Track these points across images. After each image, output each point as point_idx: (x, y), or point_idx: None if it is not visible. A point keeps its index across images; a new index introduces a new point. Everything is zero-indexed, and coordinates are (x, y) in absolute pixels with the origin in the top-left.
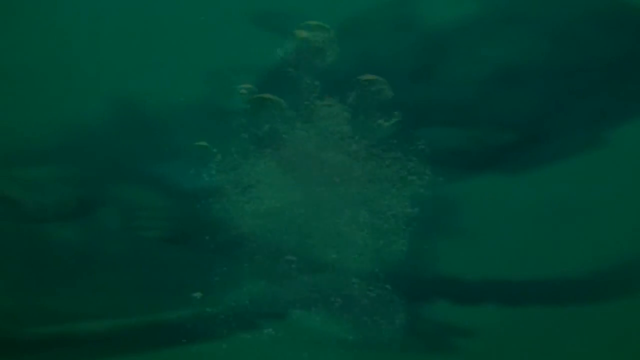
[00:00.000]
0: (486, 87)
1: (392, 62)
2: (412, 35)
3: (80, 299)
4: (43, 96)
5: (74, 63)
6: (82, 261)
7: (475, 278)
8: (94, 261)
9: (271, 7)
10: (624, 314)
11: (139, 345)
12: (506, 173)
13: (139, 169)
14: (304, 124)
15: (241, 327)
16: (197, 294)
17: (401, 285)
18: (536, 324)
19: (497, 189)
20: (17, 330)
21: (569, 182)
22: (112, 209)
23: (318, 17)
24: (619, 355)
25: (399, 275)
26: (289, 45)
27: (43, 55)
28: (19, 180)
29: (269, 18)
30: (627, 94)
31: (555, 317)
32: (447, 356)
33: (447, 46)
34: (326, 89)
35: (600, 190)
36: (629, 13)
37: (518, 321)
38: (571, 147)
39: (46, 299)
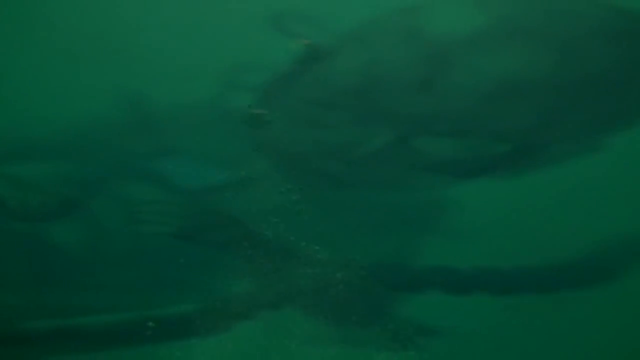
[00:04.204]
0: (486, 101)
1: (395, 73)
2: (416, 46)
3: (82, 295)
4: (47, 93)
5: (80, 59)
6: (84, 258)
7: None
8: (96, 257)
9: (281, 8)
10: (610, 299)
11: (140, 339)
12: (500, 178)
13: (142, 166)
14: None
15: (239, 319)
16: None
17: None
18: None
19: (491, 192)
20: (20, 324)
21: (560, 185)
22: (114, 206)
23: (326, 22)
24: (609, 339)
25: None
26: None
27: (46, 52)
28: (20, 177)
29: (279, 19)
30: (623, 106)
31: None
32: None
33: (450, 59)
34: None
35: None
36: (631, 26)
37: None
38: (563, 155)
39: (49, 294)
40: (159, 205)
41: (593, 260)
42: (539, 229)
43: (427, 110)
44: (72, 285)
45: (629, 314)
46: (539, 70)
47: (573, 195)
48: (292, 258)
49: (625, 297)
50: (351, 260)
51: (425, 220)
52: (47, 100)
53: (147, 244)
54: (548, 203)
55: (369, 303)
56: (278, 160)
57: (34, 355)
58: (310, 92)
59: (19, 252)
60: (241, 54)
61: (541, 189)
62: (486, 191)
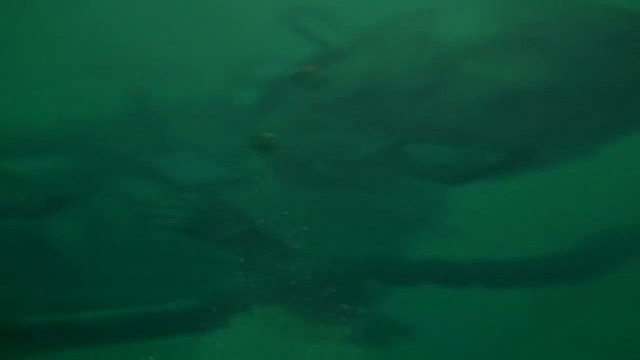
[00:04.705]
0: (486, 110)
1: (400, 79)
2: (422, 53)
3: (82, 290)
4: (48, 88)
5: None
6: (84, 253)
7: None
8: (96, 253)
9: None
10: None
11: (139, 335)
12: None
13: (143, 161)
14: None
15: (236, 315)
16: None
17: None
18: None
19: (484, 191)
20: (20, 319)
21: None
22: (115, 201)
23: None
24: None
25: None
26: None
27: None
28: (24, 170)
29: (287, 17)
30: (623, 114)
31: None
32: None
33: (455, 67)
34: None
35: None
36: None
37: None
38: (558, 159)
39: (49, 289)
40: (160, 201)
41: (585, 255)
42: (531, 226)
43: (427, 118)
44: (72, 280)
45: (620, 306)
46: (544, 79)
47: (565, 194)
48: (289, 254)
49: (617, 290)
50: (344, 256)
51: (419, 218)
52: (48, 96)
53: (148, 240)
54: (541, 201)
55: (361, 299)
56: (277, 159)
57: (35, 350)
58: (312, 94)
59: (18, 247)
60: (247, 51)
61: (534, 188)
62: (480, 190)
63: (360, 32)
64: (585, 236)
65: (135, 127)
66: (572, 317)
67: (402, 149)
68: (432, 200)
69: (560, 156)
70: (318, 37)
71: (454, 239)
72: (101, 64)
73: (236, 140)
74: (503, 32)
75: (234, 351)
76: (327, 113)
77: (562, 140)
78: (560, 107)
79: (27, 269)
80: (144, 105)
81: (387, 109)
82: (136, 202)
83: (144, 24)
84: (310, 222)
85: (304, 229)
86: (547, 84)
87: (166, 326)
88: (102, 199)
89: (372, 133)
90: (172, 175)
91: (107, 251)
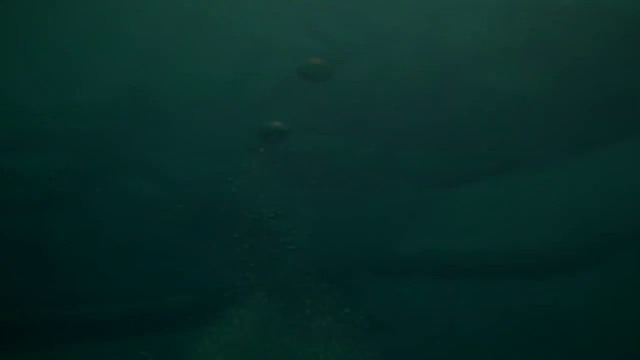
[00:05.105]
0: (480, 119)
1: (401, 84)
2: (427, 59)
3: (80, 286)
4: (54, 85)
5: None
6: (83, 249)
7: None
8: (95, 249)
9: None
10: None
11: (137, 330)
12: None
13: (141, 158)
14: None
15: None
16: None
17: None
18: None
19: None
20: (21, 314)
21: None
22: (113, 198)
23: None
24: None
25: None
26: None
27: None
28: (21, 166)
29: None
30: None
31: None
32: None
33: (457, 75)
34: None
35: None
36: None
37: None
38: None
39: (48, 285)
40: (159, 197)
41: (578, 252)
42: (525, 225)
43: (423, 123)
44: (70, 276)
45: (612, 303)
46: (545, 85)
47: (560, 194)
48: (284, 251)
49: (610, 287)
50: (340, 254)
51: (413, 217)
52: (49, 93)
53: (146, 236)
54: (536, 200)
55: (357, 296)
56: (275, 159)
57: (33, 346)
58: (313, 97)
59: (18, 244)
60: (252, 48)
61: (529, 188)
62: (477, 190)
63: (362, 36)
64: (579, 234)
65: (136, 124)
66: (565, 312)
67: (399, 152)
68: (429, 199)
69: (558, 158)
70: (323, 37)
71: (451, 238)
72: (103, 59)
73: (235, 138)
74: (505, 39)
75: (230, 347)
76: (326, 116)
77: (560, 143)
78: (560, 113)
79: (27, 265)
80: (144, 102)
81: (386, 114)
82: (135, 198)
83: (144, 22)
84: (307, 220)
85: (300, 226)
86: (549, 89)
87: (163, 322)
88: (101, 195)
89: (371, 136)
90: (171, 171)
91: (105, 248)
